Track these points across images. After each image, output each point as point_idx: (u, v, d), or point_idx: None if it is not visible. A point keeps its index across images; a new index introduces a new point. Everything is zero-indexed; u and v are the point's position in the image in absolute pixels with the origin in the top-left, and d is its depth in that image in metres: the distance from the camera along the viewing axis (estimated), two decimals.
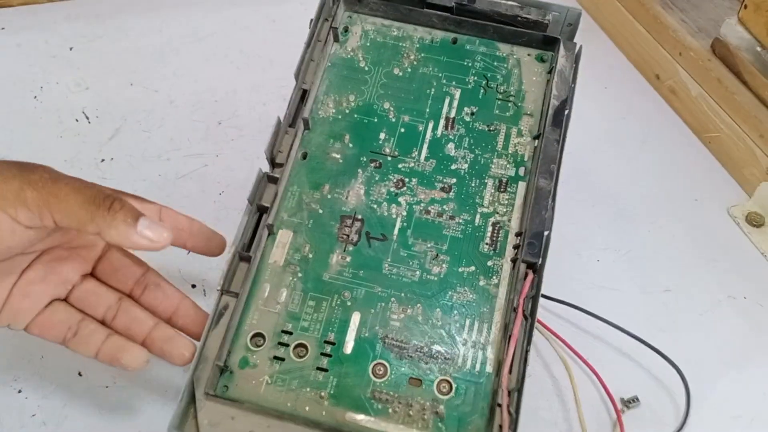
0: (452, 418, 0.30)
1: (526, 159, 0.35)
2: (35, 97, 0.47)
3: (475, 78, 0.37)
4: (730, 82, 0.42)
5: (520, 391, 0.29)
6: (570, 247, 0.41)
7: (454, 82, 0.37)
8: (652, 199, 0.45)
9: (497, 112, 0.37)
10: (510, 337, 0.30)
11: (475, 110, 0.37)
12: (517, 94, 0.37)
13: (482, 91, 0.37)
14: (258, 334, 0.31)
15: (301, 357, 0.31)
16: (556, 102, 0.35)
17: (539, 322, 0.37)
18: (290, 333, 0.31)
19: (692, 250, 0.41)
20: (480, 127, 0.36)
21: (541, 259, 0.32)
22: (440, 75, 0.38)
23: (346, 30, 0.39)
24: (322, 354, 0.31)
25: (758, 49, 0.41)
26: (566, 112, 0.35)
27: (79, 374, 0.36)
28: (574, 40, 0.38)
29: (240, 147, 0.45)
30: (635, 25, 0.49)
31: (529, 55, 0.38)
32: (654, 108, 0.48)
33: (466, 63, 0.38)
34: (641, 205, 0.44)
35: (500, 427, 0.29)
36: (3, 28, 0.53)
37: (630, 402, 0.36)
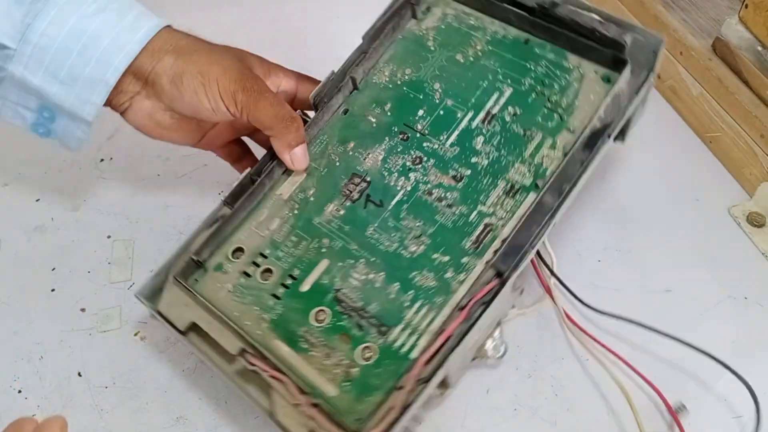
0: (358, 384, 0.30)
1: (548, 173, 0.34)
2: None
3: (532, 82, 0.36)
4: (731, 81, 0.42)
5: (428, 381, 0.29)
6: (570, 247, 0.41)
7: (509, 80, 0.37)
8: (653, 199, 0.44)
9: (539, 119, 0.35)
10: (443, 331, 0.30)
11: (518, 112, 0.36)
12: (567, 108, 0.35)
13: (533, 95, 0.36)
14: (240, 249, 0.35)
15: (264, 280, 0.34)
16: (599, 124, 0.33)
17: (594, 339, 0.36)
18: (265, 257, 0.34)
19: (692, 250, 0.41)
20: (516, 130, 0.35)
21: (509, 271, 0.31)
22: (499, 70, 0.37)
23: (428, 9, 0.40)
24: (282, 284, 0.33)
25: (759, 48, 0.40)
26: (606, 137, 0.33)
27: (79, 374, 0.36)
28: (654, 71, 0.35)
29: None
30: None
31: (596, 72, 0.36)
32: (655, 107, 0.46)
33: (529, 65, 0.37)
34: (641, 205, 0.44)
35: (390, 409, 0.29)
36: None
37: (680, 409, 0.34)
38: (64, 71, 0.32)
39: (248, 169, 0.36)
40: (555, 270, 0.37)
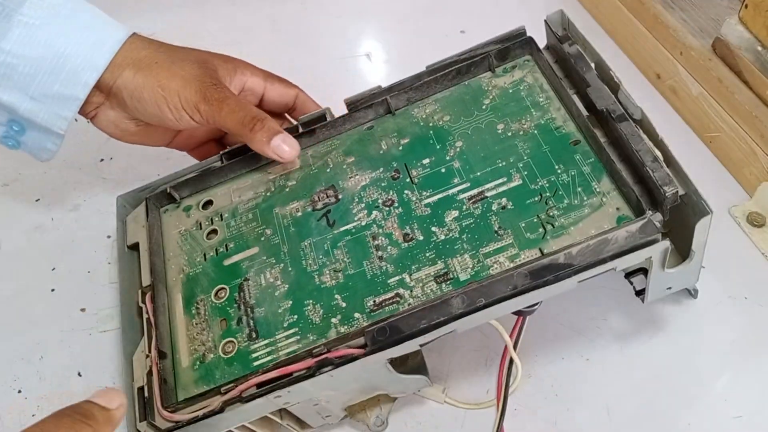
0: (206, 369, 0.31)
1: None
2: None
3: (546, 185, 0.32)
4: (731, 81, 0.42)
5: (246, 402, 0.29)
6: None
7: (526, 172, 0.33)
8: None
9: (522, 225, 0.31)
10: (285, 366, 0.29)
11: (509, 207, 0.32)
12: (558, 228, 0.30)
13: (536, 199, 0.32)
14: (210, 202, 0.37)
15: (207, 238, 0.36)
16: (561, 260, 0.28)
17: None
18: (221, 219, 0.36)
19: None
20: (491, 223, 0.32)
21: (372, 348, 0.28)
22: (524, 157, 0.33)
23: (512, 68, 0.37)
24: (215, 249, 0.35)
25: (759, 48, 0.41)
26: (566, 276, 0.28)
27: (79, 374, 0.36)
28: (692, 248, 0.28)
29: None
30: (636, 25, 0.49)
31: (617, 209, 0.30)
32: (654, 107, 0.46)
33: (557, 168, 0.32)
34: None
35: (203, 407, 0.29)
36: None
37: None
38: (34, 88, 0.33)
39: None
40: (513, 388, 0.34)
